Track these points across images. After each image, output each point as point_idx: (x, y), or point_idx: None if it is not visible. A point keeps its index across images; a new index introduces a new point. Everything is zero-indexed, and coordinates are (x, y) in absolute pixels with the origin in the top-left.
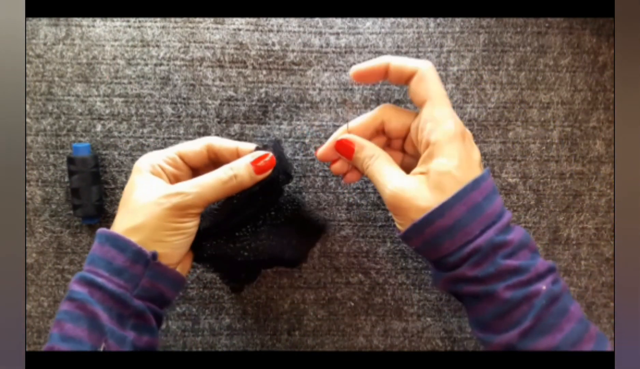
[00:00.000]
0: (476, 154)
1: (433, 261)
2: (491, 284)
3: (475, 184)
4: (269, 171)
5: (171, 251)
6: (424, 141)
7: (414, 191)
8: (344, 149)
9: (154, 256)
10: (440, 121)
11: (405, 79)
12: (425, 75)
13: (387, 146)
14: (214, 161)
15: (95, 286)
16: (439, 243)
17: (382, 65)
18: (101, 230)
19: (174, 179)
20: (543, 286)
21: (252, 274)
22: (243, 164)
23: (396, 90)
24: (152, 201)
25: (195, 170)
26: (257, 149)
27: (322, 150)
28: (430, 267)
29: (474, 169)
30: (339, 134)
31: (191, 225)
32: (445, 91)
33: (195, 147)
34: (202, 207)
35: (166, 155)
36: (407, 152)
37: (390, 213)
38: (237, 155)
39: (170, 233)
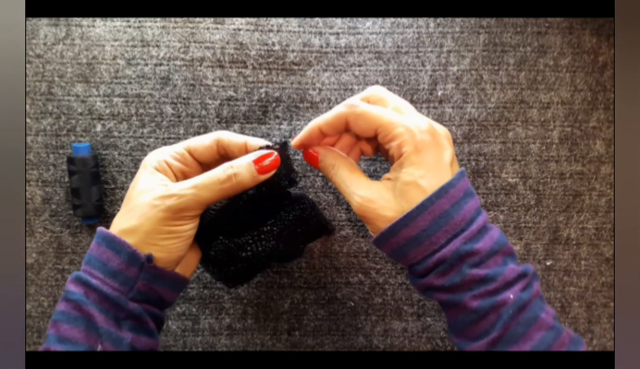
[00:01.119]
0: (447, 155)
1: (407, 267)
2: (458, 294)
3: (441, 191)
4: (273, 171)
5: (167, 255)
6: (395, 153)
7: (380, 201)
8: (310, 158)
9: (149, 259)
10: (403, 137)
11: (346, 128)
12: (356, 112)
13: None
14: (224, 157)
15: (91, 288)
16: (406, 252)
17: (315, 130)
18: (100, 229)
19: (182, 175)
20: (510, 295)
21: (251, 274)
22: (245, 162)
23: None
24: (147, 202)
25: (206, 166)
26: (261, 148)
27: (297, 140)
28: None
29: (442, 176)
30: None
31: (187, 228)
32: (393, 97)
33: (204, 141)
34: (198, 210)
35: (174, 150)
36: (379, 146)
37: None
38: (246, 150)
39: (165, 237)
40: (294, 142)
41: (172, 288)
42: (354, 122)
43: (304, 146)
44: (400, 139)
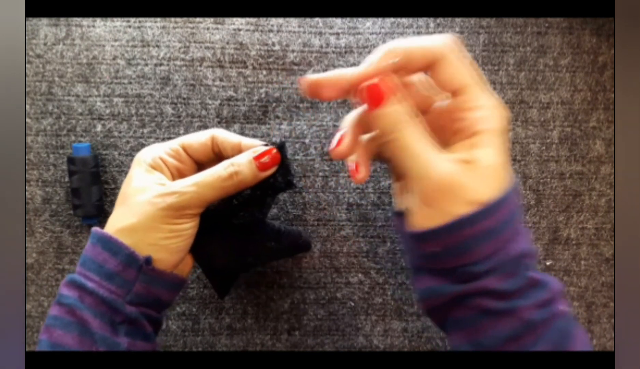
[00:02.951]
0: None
1: (441, 270)
2: (513, 300)
3: (515, 184)
4: (273, 168)
5: (167, 256)
6: (471, 126)
7: (466, 180)
8: (375, 93)
9: (148, 261)
10: (491, 110)
11: (422, 68)
12: (451, 59)
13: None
14: (218, 155)
15: (86, 291)
16: (472, 247)
17: (389, 56)
18: (95, 229)
19: (177, 172)
20: (566, 307)
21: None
22: (246, 159)
23: None
24: (146, 199)
25: (200, 164)
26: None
27: (339, 146)
28: (422, 282)
29: (509, 168)
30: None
31: (188, 227)
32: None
33: (200, 138)
34: (200, 208)
35: (169, 147)
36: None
37: (390, 212)
38: (239, 150)
39: (166, 236)
40: (309, 79)
41: (170, 289)
42: (444, 67)
43: (354, 85)
44: (490, 111)
